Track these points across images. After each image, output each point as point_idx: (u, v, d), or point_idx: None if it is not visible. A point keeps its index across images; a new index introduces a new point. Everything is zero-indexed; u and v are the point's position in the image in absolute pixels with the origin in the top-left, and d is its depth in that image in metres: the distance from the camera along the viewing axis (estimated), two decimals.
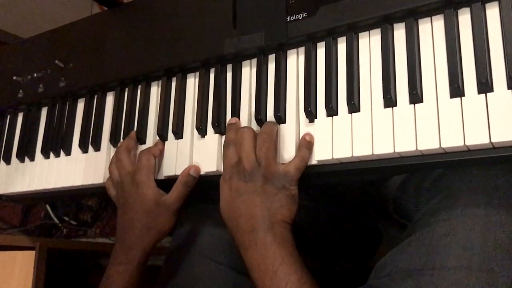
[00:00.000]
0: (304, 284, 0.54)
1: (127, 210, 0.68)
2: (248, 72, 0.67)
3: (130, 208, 0.67)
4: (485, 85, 0.50)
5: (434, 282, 0.49)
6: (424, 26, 0.56)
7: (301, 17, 0.62)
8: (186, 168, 0.66)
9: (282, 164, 0.59)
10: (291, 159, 0.59)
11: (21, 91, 0.88)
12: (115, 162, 0.71)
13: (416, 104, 0.53)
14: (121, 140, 0.75)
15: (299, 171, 0.58)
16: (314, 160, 0.58)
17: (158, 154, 0.70)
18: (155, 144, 0.71)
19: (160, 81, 0.75)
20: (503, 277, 0.47)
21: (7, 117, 0.92)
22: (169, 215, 0.67)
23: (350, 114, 0.57)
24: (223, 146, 0.63)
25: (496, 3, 0.52)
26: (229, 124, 0.64)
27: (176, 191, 0.66)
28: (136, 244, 0.67)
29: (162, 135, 0.71)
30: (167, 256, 0.75)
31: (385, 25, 0.57)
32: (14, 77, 0.89)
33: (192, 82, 0.72)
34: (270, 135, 0.59)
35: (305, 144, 0.58)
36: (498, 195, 0.52)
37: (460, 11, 0.54)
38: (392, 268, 0.54)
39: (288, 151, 0.60)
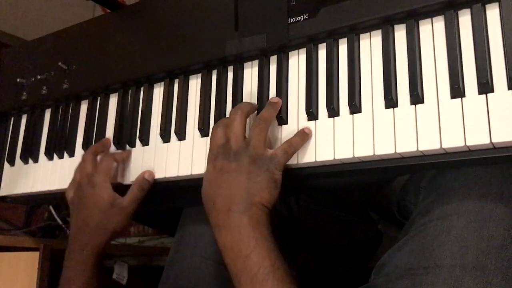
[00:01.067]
0: (277, 269, 0.52)
1: (82, 210, 0.69)
2: (250, 73, 0.68)
3: (85, 208, 0.69)
4: (485, 86, 0.50)
5: (429, 280, 0.49)
6: (425, 27, 0.56)
7: (302, 18, 0.62)
8: (141, 173, 0.69)
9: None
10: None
11: (24, 93, 0.88)
12: (79, 164, 0.73)
13: (417, 105, 0.53)
14: (124, 141, 0.76)
15: (286, 155, 0.57)
16: (315, 161, 0.59)
17: (120, 160, 0.72)
18: (122, 152, 0.73)
19: (162, 83, 0.75)
20: (497, 274, 0.48)
21: (11, 119, 0.92)
22: (122, 216, 0.68)
23: (352, 115, 0.57)
24: (213, 127, 0.62)
25: (496, 4, 0.52)
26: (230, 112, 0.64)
27: (131, 194, 0.68)
28: (89, 244, 0.68)
29: (165, 136, 0.72)
30: (168, 257, 0.76)
31: (386, 26, 0.58)
32: (18, 79, 0.89)
33: (194, 84, 0.72)
34: (267, 119, 0.59)
35: (300, 133, 0.58)
36: (492, 192, 0.52)
37: (460, 12, 0.54)
38: (389, 267, 0.54)
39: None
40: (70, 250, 0.69)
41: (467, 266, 0.48)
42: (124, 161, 0.73)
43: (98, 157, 0.73)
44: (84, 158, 0.72)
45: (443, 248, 0.50)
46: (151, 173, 0.69)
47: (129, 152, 0.73)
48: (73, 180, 0.73)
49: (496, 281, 0.47)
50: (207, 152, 0.66)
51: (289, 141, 0.58)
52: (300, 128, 0.61)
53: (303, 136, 0.58)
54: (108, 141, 0.75)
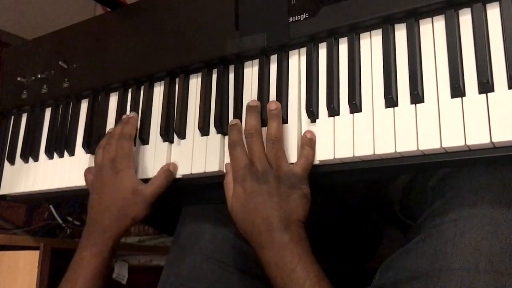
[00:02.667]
0: (322, 280, 0.55)
1: (104, 194, 0.69)
2: (250, 72, 0.68)
3: (108, 192, 0.69)
4: (486, 85, 0.50)
5: (441, 284, 0.49)
6: (425, 27, 0.56)
7: (302, 18, 0.62)
8: (165, 164, 0.69)
9: (291, 164, 0.59)
10: (295, 159, 0.59)
11: (25, 92, 0.88)
12: (103, 146, 0.72)
13: (417, 104, 0.53)
14: None
15: (306, 171, 0.59)
16: (316, 160, 0.59)
17: (134, 132, 0.72)
18: (128, 126, 0.72)
19: (163, 82, 0.75)
20: (511, 278, 0.47)
21: (11, 117, 0.92)
22: (144, 204, 0.68)
23: (352, 114, 0.57)
24: (229, 148, 0.63)
25: (497, 4, 0.52)
26: (230, 125, 0.64)
27: (154, 183, 0.68)
28: (111, 228, 0.68)
29: (165, 135, 0.72)
30: (168, 256, 0.76)
31: (386, 25, 0.57)
32: (18, 78, 0.89)
33: (194, 83, 0.72)
34: (278, 137, 0.60)
35: (307, 143, 0.59)
36: (505, 194, 0.52)
37: (461, 12, 0.54)
38: (398, 269, 0.54)
39: (290, 151, 0.60)
40: (89, 232, 0.69)
41: (480, 270, 0.48)
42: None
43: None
44: (110, 141, 0.71)
45: (456, 252, 0.50)
46: (175, 166, 0.69)
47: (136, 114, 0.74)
48: (95, 160, 0.73)
49: (509, 286, 0.47)
50: (208, 151, 0.67)
51: (304, 156, 0.59)
52: (300, 127, 0.61)
53: (311, 143, 0.59)
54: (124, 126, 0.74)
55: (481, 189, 0.53)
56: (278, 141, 0.60)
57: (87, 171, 0.74)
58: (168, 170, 0.68)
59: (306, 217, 0.59)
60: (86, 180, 0.74)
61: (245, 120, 0.63)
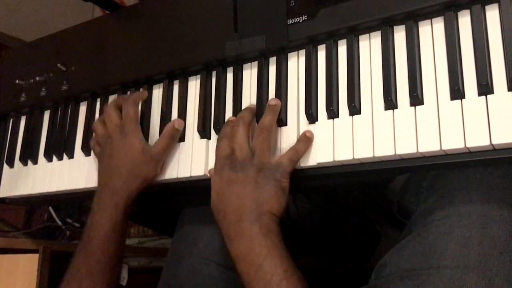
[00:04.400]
0: (290, 276, 0.53)
1: (113, 158, 0.70)
2: (249, 75, 0.67)
3: (116, 156, 0.69)
4: (485, 87, 0.50)
5: (431, 281, 0.49)
6: (424, 29, 0.56)
7: (301, 19, 0.62)
8: (171, 122, 0.70)
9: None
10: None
11: (23, 95, 0.88)
12: (102, 118, 0.73)
13: (416, 107, 0.53)
14: None
15: (292, 163, 0.58)
16: (315, 162, 0.59)
17: (142, 100, 0.74)
18: (139, 93, 0.74)
19: (162, 84, 0.75)
20: (500, 275, 0.47)
21: (10, 120, 0.92)
22: (153, 163, 0.68)
23: (351, 117, 0.57)
24: (217, 139, 0.63)
25: (496, 5, 0.52)
26: (227, 121, 0.65)
27: (161, 142, 0.69)
28: (121, 189, 0.68)
29: None
30: (167, 258, 0.75)
31: (385, 27, 0.57)
32: (17, 81, 0.89)
33: (193, 85, 0.72)
34: (269, 127, 0.60)
35: (303, 139, 0.59)
36: (494, 193, 0.52)
37: (460, 13, 0.54)
38: (391, 268, 0.54)
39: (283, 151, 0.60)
40: (101, 196, 0.69)
41: (470, 267, 0.48)
42: (145, 99, 0.74)
43: None
44: (107, 111, 0.73)
45: (445, 249, 0.50)
46: (180, 122, 0.69)
47: (145, 92, 0.75)
48: (96, 134, 0.74)
49: (498, 282, 0.47)
50: (207, 153, 0.67)
51: (293, 148, 0.58)
52: (299, 129, 0.61)
53: (306, 141, 0.59)
54: (130, 96, 0.75)
55: (471, 188, 0.53)
56: (267, 131, 0.60)
57: (95, 143, 0.75)
58: (173, 127, 0.69)
59: (280, 212, 0.58)
60: (94, 151, 0.75)
61: (239, 113, 0.63)
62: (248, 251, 0.55)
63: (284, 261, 0.54)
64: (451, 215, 0.52)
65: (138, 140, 0.69)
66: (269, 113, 0.61)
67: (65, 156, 0.82)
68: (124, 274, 1.23)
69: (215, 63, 0.70)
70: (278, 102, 0.62)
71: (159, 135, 0.72)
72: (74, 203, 1.31)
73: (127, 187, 0.68)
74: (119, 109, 0.73)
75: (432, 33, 0.55)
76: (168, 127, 0.69)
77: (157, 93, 0.76)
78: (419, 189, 0.62)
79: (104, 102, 0.80)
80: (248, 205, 0.57)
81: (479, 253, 0.48)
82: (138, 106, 0.73)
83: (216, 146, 0.63)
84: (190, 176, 0.67)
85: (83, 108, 0.83)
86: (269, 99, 0.63)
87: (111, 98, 0.80)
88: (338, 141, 0.57)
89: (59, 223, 1.31)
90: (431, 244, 0.51)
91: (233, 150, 0.60)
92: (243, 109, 0.64)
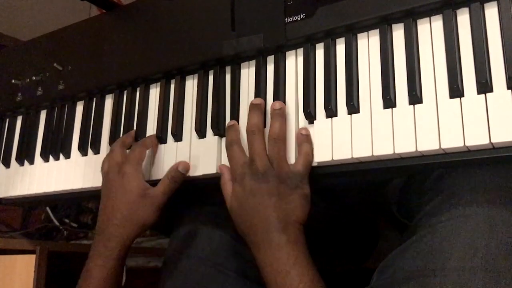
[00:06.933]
0: (315, 285, 0.54)
1: (109, 199, 0.66)
2: (247, 73, 0.67)
3: (114, 197, 0.66)
4: (484, 86, 0.49)
5: (437, 283, 0.48)
6: (423, 27, 0.55)
7: (299, 18, 0.61)
8: (175, 164, 0.67)
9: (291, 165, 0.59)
10: (293, 161, 0.59)
11: (19, 94, 0.88)
12: (107, 155, 0.71)
13: (415, 105, 0.53)
14: None
15: (307, 168, 0.58)
16: (314, 162, 0.58)
17: (151, 146, 0.70)
18: (148, 136, 0.71)
19: (159, 84, 0.75)
20: (507, 277, 0.47)
21: (6, 120, 0.92)
22: (153, 208, 0.65)
23: (350, 115, 0.57)
24: (226, 147, 0.63)
25: (495, 3, 0.51)
26: (228, 126, 0.64)
27: (163, 185, 0.66)
28: (115, 236, 0.65)
29: (162, 137, 0.71)
30: (164, 259, 0.75)
31: (383, 25, 0.57)
32: (13, 80, 0.89)
33: (191, 84, 0.72)
34: (281, 136, 0.59)
35: (304, 139, 0.59)
36: (501, 194, 0.51)
37: (458, 11, 0.54)
38: (394, 269, 0.54)
39: (288, 152, 0.60)
40: (95, 241, 0.66)
41: (476, 268, 0.47)
42: (155, 146, 0.71)
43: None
44: (113, 148, 0.70)
45: (451, 251, 0.49)
46: (185, 165, 0.66)
47: (155, 136, 0.71)
48: (101, 171, 0.71)
49: (505, 284, 0.46)
50: (205, 153, 0.66)
51: (303, 153, 0.58)
52: (297, 128, 0.60)
53: (308, 139, 0.59)
54: (134, 133, 0.73)
55: (477, 188, 0.53)
56: (280, 140, 0.59)
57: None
58: (176, 170, 0.66)
59: (305, 220, 0.59)
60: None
61: (248, 118, 0.62)
62: (276, 259, 0.56)
63: (310, 270, 0.55)
64: (457, 217, 0.51)
65: (137, 182, 0.66)
66: (276, 119, 0.60)
67: (61, 156, 0.82)
68: (122, 274, 1.22)
69: (213, 62, 0.69)
70: (282, 105, 0.61)
71: (156, 136, 0.72)
72: (71, 204, 1.31)
73: (121, 233, 0.65)
74: (127, 147, 0.71)
75: (430, 31, 0.55)
76: (171, 169, 0.66)
77: (154, 92, 0.75)
78: (422, 190, 0.62)
79: (100, 102, 0.80)
80: (275, 215, 0.57)
81: (486, 255, 0.48)
82: (146, 149, 0.69)
83: (229, 154, 0.62)
84: (188, 176, 0.67)
85: (79, 108, 0.83)
86: (272, 102, 0.62)
87: (108, 97, 0.80)
88: (336, 140, 0.57)
89: (56, 223, 1.31)
90: (437, 245, 0.51)
91: (252, 160, 0.59)
92: (253, 113, 0.62)
